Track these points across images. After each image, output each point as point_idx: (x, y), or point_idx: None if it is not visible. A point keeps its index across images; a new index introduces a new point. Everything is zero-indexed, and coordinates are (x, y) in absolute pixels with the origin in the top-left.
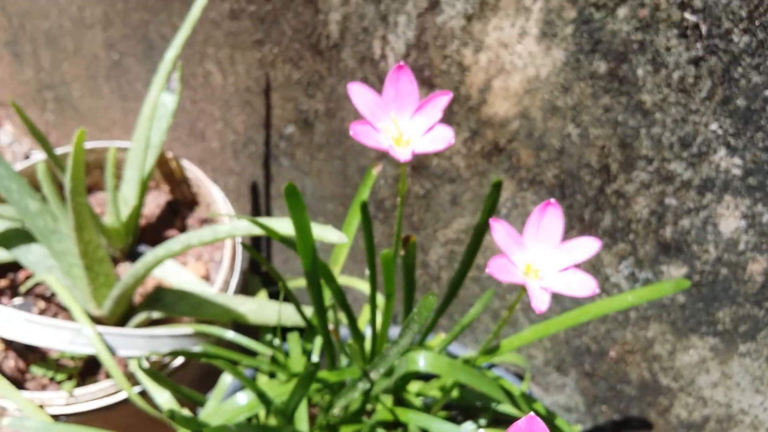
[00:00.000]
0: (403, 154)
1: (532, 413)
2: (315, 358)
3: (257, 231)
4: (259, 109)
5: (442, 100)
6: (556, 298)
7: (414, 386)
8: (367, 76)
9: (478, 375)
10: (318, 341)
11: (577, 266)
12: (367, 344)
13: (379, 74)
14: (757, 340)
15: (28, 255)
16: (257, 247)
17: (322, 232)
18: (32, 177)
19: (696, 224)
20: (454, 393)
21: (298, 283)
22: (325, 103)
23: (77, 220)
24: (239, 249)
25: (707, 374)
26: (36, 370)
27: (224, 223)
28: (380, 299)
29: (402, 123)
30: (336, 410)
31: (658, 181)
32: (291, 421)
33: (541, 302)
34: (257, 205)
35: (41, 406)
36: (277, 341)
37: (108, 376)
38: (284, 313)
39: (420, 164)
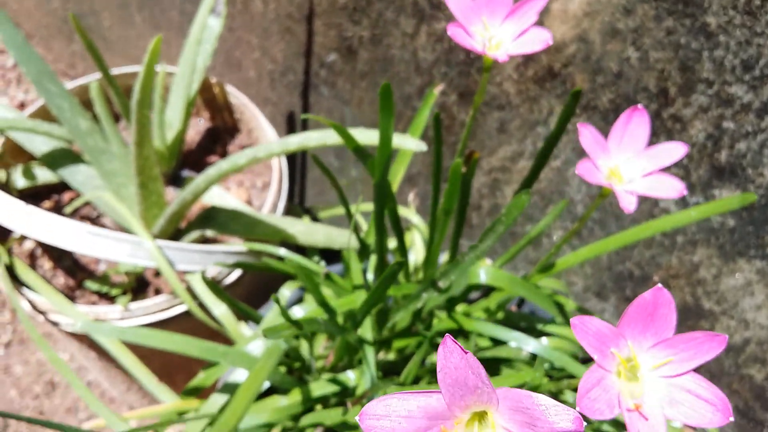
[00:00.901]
0: (499, 56)
1: (659, 285)
2: (370, 275)
3: (332, 140)
4: (300, 37)
5: (537, 3)
6: (604, 222)
7: (460, 308)
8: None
9: (535, 289)
10: (372, 260)
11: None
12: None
13: None
14: None
15: (75, 175)
16: (291, 181)
17: (401, 141)
18: (83, 97)
19: (753, 148)
20: (500, 314)
21: (334, 212)
22: (371, 29)
23: (139, 133)
24: (285, 173)
25: (751, 297)
26: (90, 285)
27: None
28: (421, 224)
29: (493, 27)
30: (391, 323)
31: (717, 104)
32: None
33: (628, 203)
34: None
35: (97, 320)
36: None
37: (157, 293)
38: (331, 236)
39: (467, 90)
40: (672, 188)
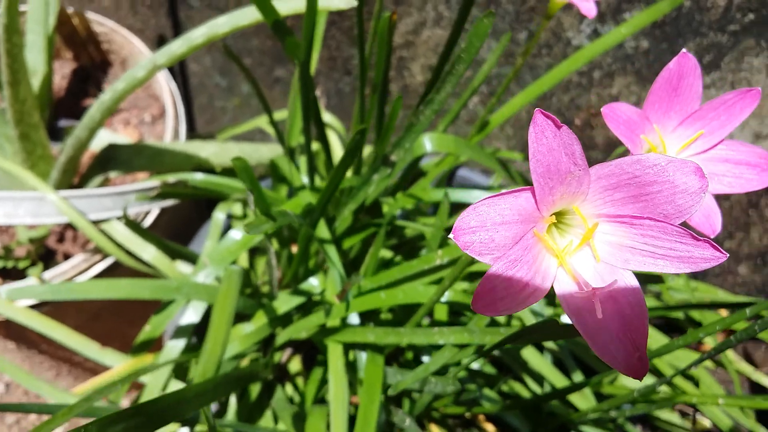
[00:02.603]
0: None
1: (684, 50)
2: (305, 178)
3: (244, 20)
4: None
5: None
6: (520, 78)
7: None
8: None
9: (479, 149)
10: (303, 161)
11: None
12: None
13: None
14: (721, 67)
15: None
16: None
17: (327, 1)
18: None
19: None
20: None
21: (231, 132)
22: None
23: (12, 69)
24: (178, 96)
25: None
26: None
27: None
28: (335, 121)
29: None
30: (347, 212)
31: None
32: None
33: (588, 9)
34: None
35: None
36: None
37: (66, 258)
38: (245, 152)
39: None
40: None
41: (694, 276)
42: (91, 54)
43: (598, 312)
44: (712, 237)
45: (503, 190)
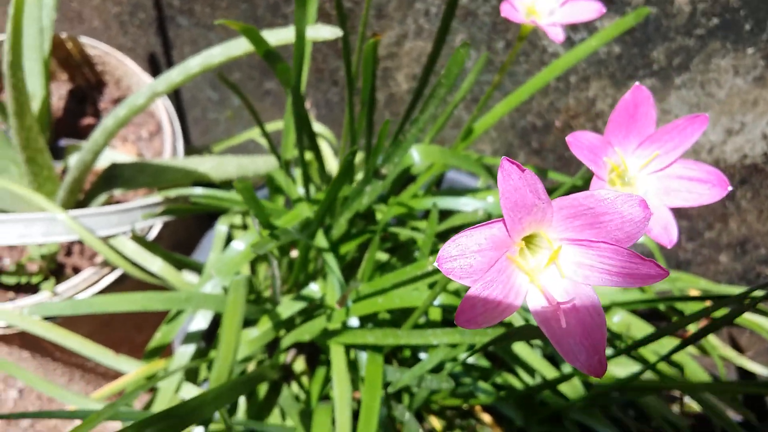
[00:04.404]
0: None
1: (637, 83)
2: (300, 189)
3: (236, 50)
4: None
5: None
6: (501, 85)
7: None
8: None
9: (464, 157)
10: (298, 173)
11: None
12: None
13: None
14: (690, 68)
15: None
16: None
17: (315, 32)
18: None
19: None
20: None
21: (227, 143)
22: None
23: (17, 101)
24: (174, 114)
25: None
26: (7, 279)
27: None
28: (326, 131)
29: None
30: (342, 220)
31: None
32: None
33: (555, 35)
34: None
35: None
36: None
37: (76, 272)
38: (242, 165)
39: None
40: (591, 10)
41: (678, 266)
42: (86, 75)
43: (563, 322)
44: (669, 247)
45: (478, 224)
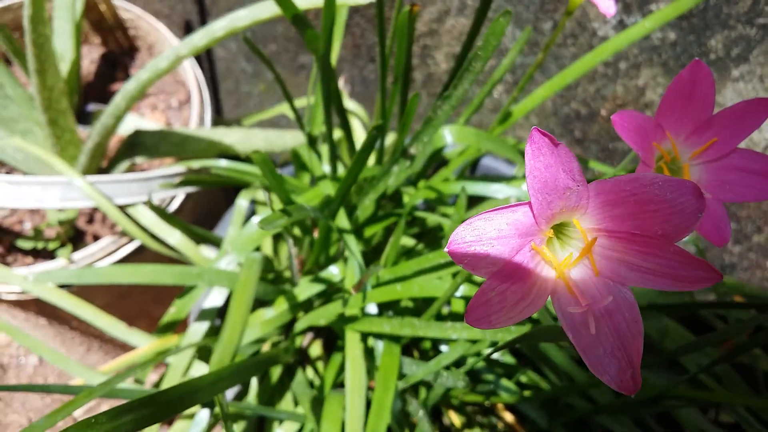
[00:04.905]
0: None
1: (696, 58)
2: (326, 167)
3: (265, 13)
4: None
5: None
6: (544, 68)
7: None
8: None
9: (500, 141)
10: (325, 150)
11: None
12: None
13: None
14: (749, 60)
15: None
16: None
17: None
18: None
19: None
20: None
21: (258, 117)
22: None
23: (39, 58)
24: (203, 83)
25: None
26: (23, 244)
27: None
28: (359, 109)
29: None
30: (368, 201)
31: None
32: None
33: (606, 8)
34: None
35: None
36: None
37: (95, 239)
38: (270, 139)
39: None
40: None
41: (722, 270)
42: (119, 39)
43: (592, 328)
44: (721, 246)
45: (500, 207)
